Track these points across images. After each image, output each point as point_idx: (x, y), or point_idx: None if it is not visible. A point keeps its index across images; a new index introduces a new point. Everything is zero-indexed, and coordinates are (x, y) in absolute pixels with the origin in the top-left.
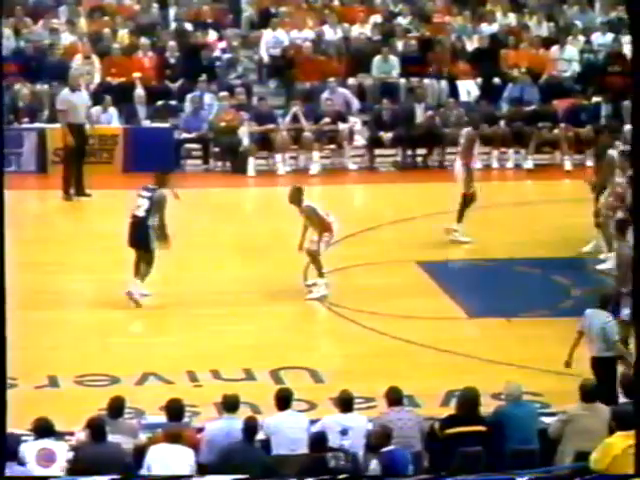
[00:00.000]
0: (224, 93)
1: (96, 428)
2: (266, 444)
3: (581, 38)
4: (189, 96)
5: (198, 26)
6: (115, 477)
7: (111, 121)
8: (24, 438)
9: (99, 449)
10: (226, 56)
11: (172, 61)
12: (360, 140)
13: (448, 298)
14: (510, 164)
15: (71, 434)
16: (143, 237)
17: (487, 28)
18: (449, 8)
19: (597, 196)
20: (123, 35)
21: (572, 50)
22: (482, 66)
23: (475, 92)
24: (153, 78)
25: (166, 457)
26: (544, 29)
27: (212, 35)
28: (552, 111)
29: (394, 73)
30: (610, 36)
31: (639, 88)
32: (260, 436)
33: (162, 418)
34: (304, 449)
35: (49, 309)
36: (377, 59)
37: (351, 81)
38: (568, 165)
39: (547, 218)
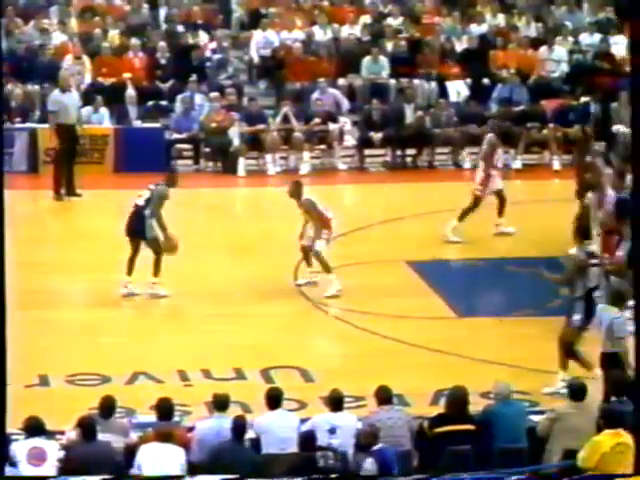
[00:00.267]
0: (215, 94)
1: (87, 427)
2: (256, 443)
3: (569, 39)
4: (180, 96)
5: (188, 27)
6: (108, 477)
7: (102, 121)
8: (15, 437)
9: (90, 448)
10: (216, 57)
11: (163, 62)
12: (350, 140)
13: (438, 298)
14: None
15: (62, 433)
16: (139, 225)
17: (476, 29)
18: (438, 9)
19: (580, 198)
20: (114, 35)
21: (561, 50)
22: (471, 67)
23: (464, 92)
24: (144, 78)
25: (157, 456)
26: (533, 30)
27: (203, 36)
28: (541, 111)
29: (384, 74)
30: (598, 36)
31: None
32: (250, 435)
33: (153, 417)
34: (294, 448)
35: (39, 308)
36: (367, 60)
37: (341, 82)
38: (557, 165)
39: (536, 218)
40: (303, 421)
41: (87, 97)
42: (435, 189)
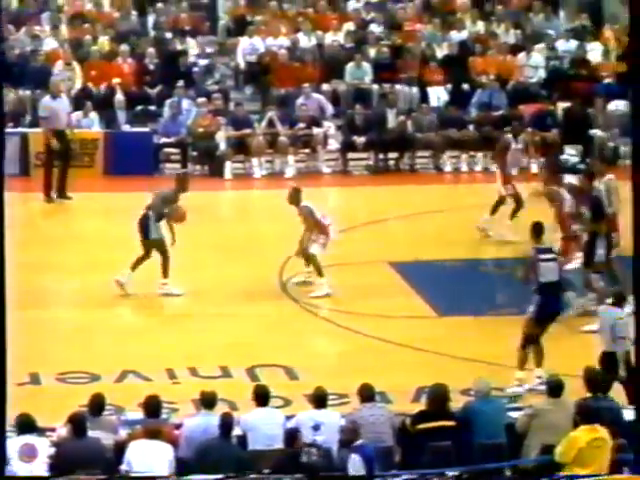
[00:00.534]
0: (202, 99)
1: (77, 424)
2: (243, 440)
3: (547, 45)
4: (168, 102)
5: (176, 34)
6: (104, 478)
7: (92, 126)
8: (6, 434)
9: (80, 444)
10: (203, 63)
11: (151, 67)
12: (334, 144)
13: (419, 297)
14: (479, 167)
15: (52, 430)
16: (143, 226)
17: (456, 36)
18: (420, 16)
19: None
20: (103, 42)
21: (538, 57)
22: (452, 72)
23: (445, 97)
24: (133, 84)
25: (146, 452)
26: (511, 37)
27: (190, 43)
28: (519, 116)
29: (367, 79)
30: (574, 43)
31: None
32: (237, 432)
33: (141, 414)
34: (280, 444)
35: (31, 308)
36: (350, 66)
37: (325, 87)
38: (535, 168)
39: (515, 219)
40: (288, 418)
41: (77, 102)
42: (416, 192)
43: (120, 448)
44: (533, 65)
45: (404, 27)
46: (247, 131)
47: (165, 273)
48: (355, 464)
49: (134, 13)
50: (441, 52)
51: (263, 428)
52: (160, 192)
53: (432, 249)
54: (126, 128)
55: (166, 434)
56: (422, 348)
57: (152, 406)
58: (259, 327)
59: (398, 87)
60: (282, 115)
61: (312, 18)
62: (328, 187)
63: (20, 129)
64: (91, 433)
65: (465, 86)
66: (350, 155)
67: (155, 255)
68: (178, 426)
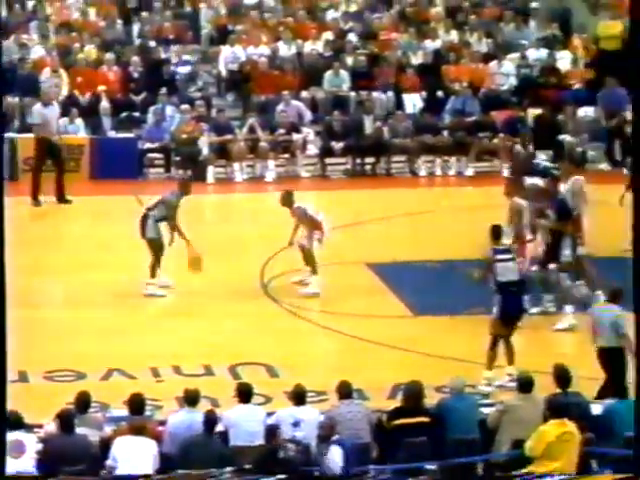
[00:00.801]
0: (185, 105)
1: (65, 420)
2: (225, 436)
3: (518, 54)
4: (152, 108)
5: (160, 42)
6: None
7: (78, 132)
8: None
9: (68, 441)
10: (187, 70)
11: (136, 75)
12: (313, 149)
13: (395, 297)
14: (452, 171)
15: (40, 427)
16: (143, 225)
17: (431, 44)
18: (395, 26)
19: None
20: (89, 50)
21: (509, 65)
22: (426, 80)
23: (420, 104)
24: (118, 91)
25: (130, 448)
26: (483, 45)
27: (175, 52)
28: (491, 122)
29: (344, 87)
30: (544, 52)
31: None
32: (219, 428)
33: (126, 412)
34: (261, 441)
35: (19, 308)
36: (328, 74)
37: (304, 94)
38: (506, 172)
39: (487, 222)
40: (269, 415)
41: (64, 109)
42: (392, 195)
43: (105, 444)
44: (504, 73)
45: (380, 36)
46: (229, 137)
47: (153, 273)
48: (335, 455)
49: (119, 22)
50: (416, 60)
51: (244, 424)
52: (165, 196)
53: (408, 250)
54: (111, 134)
55: (150, 430)
56: (398, 347)
57: (137, 403)
58: (241, 326)
59: (375, 94)
60: (262, 121)
61: (292, 27)
62: (307, 191)
63: (8, 134)
64: (77, 430)
65: (439, 93)
66: (328, 160)
67: (146, 255)
68: (162, 423)
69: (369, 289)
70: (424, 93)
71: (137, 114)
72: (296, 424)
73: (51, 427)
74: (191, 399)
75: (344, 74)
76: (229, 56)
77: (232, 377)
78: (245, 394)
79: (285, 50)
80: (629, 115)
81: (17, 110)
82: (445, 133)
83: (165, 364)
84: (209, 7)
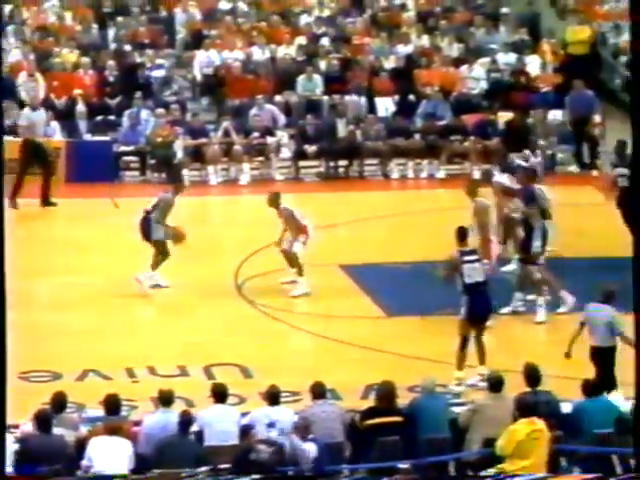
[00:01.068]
0: (160, 109)
1: (42, 420)
2: (200, 436)
3: (488, 58)
4: (127, 112)
5: (136, 46)
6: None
7: (53, 134)
8: None
9: (45, 440)
10: (162, 75)
11: (111, 79)
12: (286, 153)
13: (368, 298)
14: (424, 174)
15: (16, 427)
16: (146, 228)
17: (402, 49)
18: (368, 30)
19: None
20: (65, 54)
21: (480, 69)
22: (398, 84)
23: (392, 108)
24: (93, 95)
25: (106, 449)
26: (454, 50)
27: (150, 56)
28: (462, 125)
29: (317, 91)
30: (514, 56)
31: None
32: (194, 428)
33: (101, 412)
34: (235, 441)
35: None
36: (302, 78)
37: (278, 98)
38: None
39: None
40: (243, 415)
41: None
42: (365, 198)
43: (81, 444)
44: (475, 77)
45: (353, 41)
46: (203, 140)
47: (154, 267)
48: (310, 452)
49: (95, 26)
50: (388, 65)
51: (219, 425)
52: (163, 196)
53: (381, 252)
54: (87, 137)
55: (126, 431)
56: (371, 347)
57: (112, 404)
58: (215, 328)
59: (347, 98)
60: (237, 125)
61: (265, 32)
62: (281, 193)
63: None
64: (53, 430)
65: (411, 97)
66: (302, 163)
67: (128, 257)
68: (137, 423)
69: (342, 290)
70: (396, 97)
71: (113, 118)
72: (271, 425)
73: (28, 427)
74: (165, 400)
75: (317, 78)
76: (204, 60)
77: (207, 377)
78: (220, 394)
79: (259, 55)
80: (597, 118)
81: None
82: (417, 136)
83: (140, 365)
84: (184, 12)
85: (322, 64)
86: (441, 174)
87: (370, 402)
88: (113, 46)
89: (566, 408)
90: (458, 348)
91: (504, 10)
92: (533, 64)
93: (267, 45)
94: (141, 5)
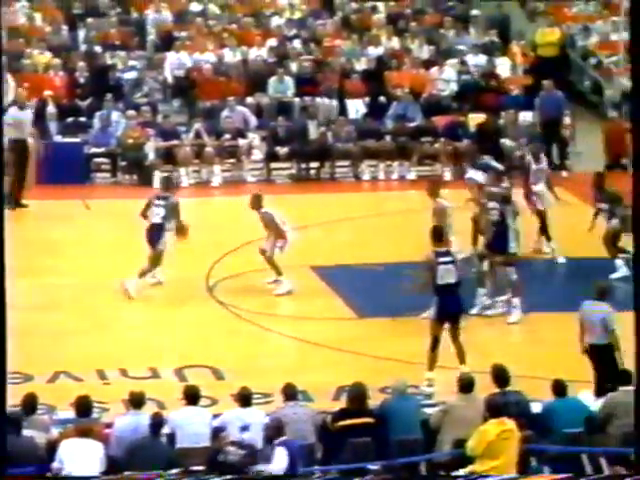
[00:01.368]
0: (131, 111)
1: (13, 422)
2: (171, 438)
3: (458, 60)
4: (98, 114)
5: (106, 48)
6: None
7: None
8: None
9: (15, 442)
10: (132, 76)
11: (82, 80)
12: (258, 154)
13: (340, 300)
14: (395, 175)
15: None
16: (157, 239)
17: (373, 51)
18: (339, 32)
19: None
20: (36, 55)
21: (450, 71)
22: (369, 86)
23: (363, 110)
24: (64, 96)
25: (77, 451)
26: (425, 52)
27: (120, 58)
28: (432, 127)
29: (289, 93)
30: (484, 58)
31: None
32: (166, 430)
33: (72, 414)
34: (207, 442)
35: None
36: (273, 80)
37: (249, 100)
38: (447, 176)
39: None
40: (215, 417)
41: None
42: (336, 199)
43: (52, 446)
44: (445, 79)
45: (324, 43)
46: (175, 142)
47: (141, 275)
48: (280, 457)
49: (65, 28)
50: (359, 66)
51: (190, 426)
52: (167, 202)
53: (352, 253)
54: (58, 139)
55: (97, 433)
56: (342, 348)
57: (83, 406)
58: (187, 330)
59: (318, 100)
60: (208, 127)
61: (237, 34)
62: (263, 195)
63: None
64: (24, 432)
65: (382, 99)
66: (273, 165)
67: (99, 259)
68: (109, 425)
69: (314, 292)
70: (367, 99)
71: (83, 119)
72: (245, 428)
73: None
74: (136, 402)
75: (288, 80)
76: (175, 62)
77: (178, 379)
78: (192, 396)
79: (230, 56)
80: (567, 119)
81: None
82: (388, 138)
83: (111, 367)
84: (155, 13)
85: (293, 66)
86: (412, 175)
87: (341, 403)
88: (84, 47)
89: (536, 408)
90: (429, 349)
91: (474, 12)
92: (503, 66)
93: (238, 47)
94: (111, 6)
